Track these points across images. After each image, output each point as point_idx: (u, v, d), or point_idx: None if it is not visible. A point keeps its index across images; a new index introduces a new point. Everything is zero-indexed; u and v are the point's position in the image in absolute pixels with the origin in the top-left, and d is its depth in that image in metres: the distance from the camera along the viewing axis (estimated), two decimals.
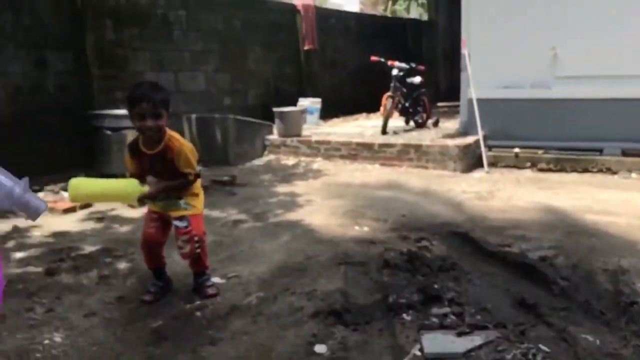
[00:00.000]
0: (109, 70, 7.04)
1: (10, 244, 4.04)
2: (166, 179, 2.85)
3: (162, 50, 7.83)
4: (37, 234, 4.25)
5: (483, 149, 6.66)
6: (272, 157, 7.74)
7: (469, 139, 6.83)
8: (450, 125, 8.48)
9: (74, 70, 6.83)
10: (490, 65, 6.90)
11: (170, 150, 2.81)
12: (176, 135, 2.89)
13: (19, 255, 3.77)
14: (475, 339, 2.44)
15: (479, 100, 6.83)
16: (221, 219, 4.60)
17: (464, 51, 7.14)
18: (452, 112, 10.21)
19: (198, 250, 2.97)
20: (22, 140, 6.30)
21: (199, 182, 3.03)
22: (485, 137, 6.79)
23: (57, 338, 2.60)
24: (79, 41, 6.85)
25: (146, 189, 2.72)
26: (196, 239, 2.92)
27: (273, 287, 3.15)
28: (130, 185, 2.68)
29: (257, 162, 7.54)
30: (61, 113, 6.71)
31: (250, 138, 7.69)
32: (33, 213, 1.59)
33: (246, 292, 3.10)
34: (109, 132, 6.16)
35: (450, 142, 6.67)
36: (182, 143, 2.86)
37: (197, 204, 2.99)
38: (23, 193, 1.53)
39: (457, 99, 7.86)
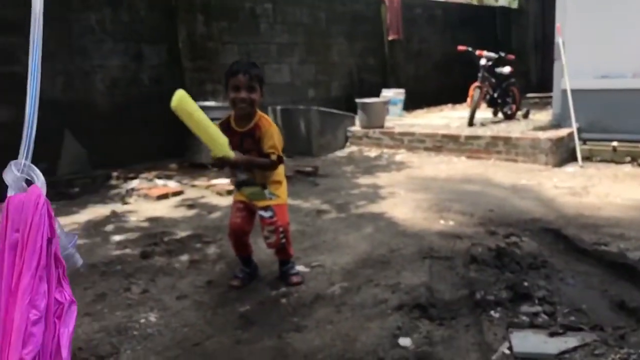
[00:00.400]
0: (200, 63, 7.30)
1: (109, 227, 4.29)
2: None
3: (250, 43, 8.02)
4: (133, 219, 4.49)
5: (577, 142, 6.32)
6: (354, 148, 7.73)
7: (562, 132, 6.49)
8: (541, 117, 8.10)
9: (167, 63, 7.15)
10: (587, 54, 6.50)
11: (259, 129, 2.87)
12: (267, 116, 2.96)
13: (117, 238, 4.01)
14: (570, 341, 2.32)
15: (574, 91, 6.47)
16: (304, 209, 4.66)
17: (558, 39, 6.78)
18: (544, 104, 9.77)
19: (283, 240, 3.02)
20: (119, 131, 6.68)
21: (282, 169, 3.07)
22: (579, 130, 6.43)
23: (152, 318, 2.74)
24: (172, 35, 7.15)
25: (232, 154, 2.77)
26: (281, 229, 2.98)
27: (357, 278, 3.15)
28: (222, 136, 2.74)
29: (340, 153, 7.56)
30: (155, 104, 7.05)
31: (332, 129, 7.73)
32: (71, 265, 1.63)
33: (330, 281, 3.13)
34: None
35: (542, 135, 6.37)
36: (271, 124, 2.92)
37: (281, 194, 3.04)
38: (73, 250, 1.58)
39: (549, 89, 7.49)
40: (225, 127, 2.92)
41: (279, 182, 3.05)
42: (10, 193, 0.76)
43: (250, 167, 2.89)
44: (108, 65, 6.62)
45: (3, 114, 5.85)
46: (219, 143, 2.71)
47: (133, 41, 6.84)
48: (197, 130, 2.68)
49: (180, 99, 2.63)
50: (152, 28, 7.02)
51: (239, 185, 2.99)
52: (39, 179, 0.77)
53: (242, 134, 2.89)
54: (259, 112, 2.93)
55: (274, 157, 2.87)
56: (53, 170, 6.06)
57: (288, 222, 3.11)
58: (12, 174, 0.75)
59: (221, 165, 2.88)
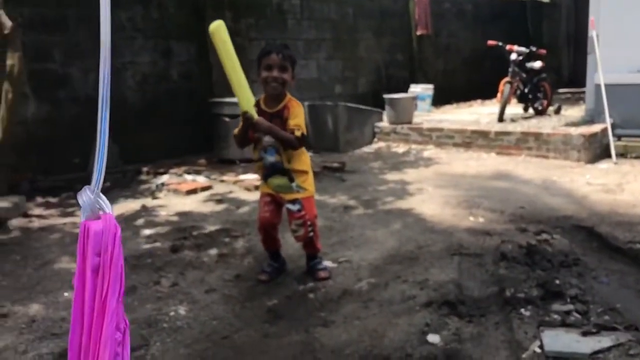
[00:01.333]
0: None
1: (140, 221, 4.36)
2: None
3: (277, 39, 8.03)
4: (163, 213, 4.55)
5: (611, 138, 6.17)
6: (381, 144, 7.69)
7: (595, 127, 6.35)
8: (573, 112, 7.94)
9: (195, 59, 7.22)
10: (622, 48, 6.33)
11: (287, 110, 2.89)
12: (296, 99, 2.98)
13: (147, 232, 4.06)
14: (603, 340, 2.27)
15: (608, 86, 6.31)
16: (331, 205, 4.66)
17: (592, 33, 6.62)
18: (576, 99, 9.57)
19: (311, 234, 3.04)
20: (149, 126, 6.77)
21: (307, 158, 3.06)
22: (613, 126, 6.28)
23: (181, 311, 2.78)
24: (200, 32, 7.20)
25: (256, 115, 2.79)
26: (309, 222, 2.99)
27: (384, 274, 3.13)
28: (250, 92, 2.75)
29: (367, 149, 7.53)
30: (184, 100, 7.14)
31: (360, 125, 7.70)
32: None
33: (357, 277, 3.12)
34: (227, 119, 6.44)
35: (574, 131, 6.24)
36: (300, 105, 2.94)
37: (308, 186, 3.03)
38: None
39: (581, 84, 7.33)
40: (255, 108, 2.94)
41: (306, 173, 3.03)
42: (83, 216, 0.83)
43: (274, 135, 2.84)
44: (138, 61, 6.71)
45: (40, 110, 5.98)
46: (246, 95, 2.72)
47: (162, 38, 6.92)
48: (227, 64, 2.69)
49: (219, 25, 2.68)
50: (181, 25, 7.09)
51: (266, 175, 2.99)
52: (109, 208, 0.83)
53: (271, 115, 2.91)
54: (289, 95, 2.95)
55: (297, 133, 2.84)
56: (85, 165, 6.18)
57: (316, 215, 3.12)
58: (87, 197, 0.81)
59: (246, 124, 2.84)
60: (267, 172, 2.99)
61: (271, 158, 2.92)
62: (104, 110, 0.84)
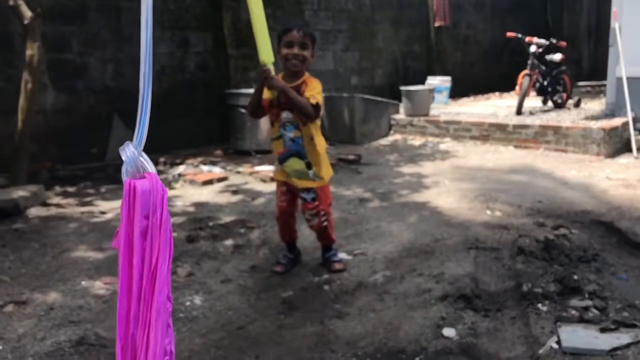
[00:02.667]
0: (244, 51, 7.34)
1: None
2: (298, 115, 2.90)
3: None
4: (179, 204, 4.57)
5: (632, 132, 6.07)
6: (398, 136, 7.65)
7: (616, 121, 6.25)
8: (593, 106, 7.82)
9: (212, 50, 7.22)
10: None
11: (305, 85, 2.88)
12: (315, 78, 2.97)
13: None
14: (622, 337, 2.24)
15: (630, 79, 6.20)
16: (347, 197, 4.64)
17: (614, 25, 6.50)
18: (596, 92, 9.43)
19: (325, 224, 3.05)
20: (166, 117, 6.80)
21: (324, 143, 3.04)
22: (635, 119, 6.17)
23: (197, 300, 2.79)
24: (217, 23, 7.21)
25: (278, 81, 2.77)
26: (322, 212, 3.02)
27: (400, 267, 3.12)
28: (271, 50, 2.74)
29: (383, 141, 7.50)
30: (200, 91, 7.15)
31: (376, 117, 7.66)
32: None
33: (372, 269, 3.11)
34: (243, 110, 6.44)
35: (594, 124, 6.15)
36: (319, 82, 2.93)
37: (324, 175, 3.02)
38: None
39: (602, 77, 7.21)
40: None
41: (321, 157, 2.98)
42: (126, 173, 0.77)
43: (287, 96, 2.79)
44: (155, 52, 6.65)
45: (59, 100, 6.04)
46: (267, 48, 2.70)
47: (179, 29, 6.93)
48: (255, 10, 2.66)
49: None
50: (198, 16, 7.10)
51: (284, 157, 2.96)
52: (153, 168, 0.78)
53: None
54: (308, 74, 2.94)
55: (313, 101, 2.82)
56: (102, 155, 6.23)
57: (330, 203, 3.12)
58: (131, 152, 0.76)
59: (262, 77, 2.79)
60: (285, 153, 2.96)
61: (290, 134, 2.91)
62: (147, 59, 0.79)
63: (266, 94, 2.90)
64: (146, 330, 0.72)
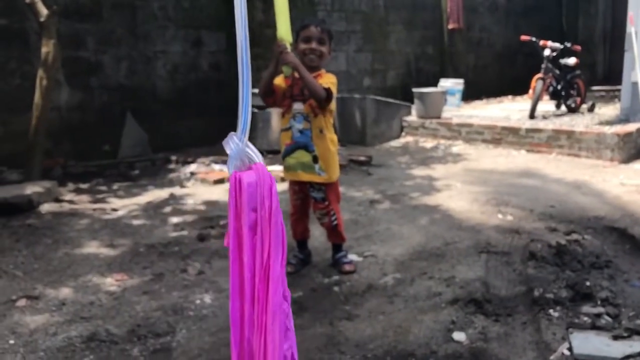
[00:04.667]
0: (257, 50, 7.33)
1: (168, 209, 4.40)
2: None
3: None
4: (190, 202, 4.59)
5: None
6: (409, 138, 7.63)
7: (631, 127, 6.19)
8: (607, 111, 7.76)
9: (225, 49, 7.25)
10: None
11: (320, 77, 2.90)
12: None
13: (175, 220, 4.11)
14: (635, 345, 2.21)
15: None
16: (357, 198, 4.64)
17: (630, 29, 6.44)
18: (610, 97, 9.35)
19: (335, 222, 3.08)
20: (178, 115, 6.84)
21: (335, 139, 3.03)
22: None
23: (207, 299, 2.80)
24: (230, 22, 7.22)
25: (293, 57, 2.75)
26: (332, 212, 3.05)
27: (410, 270, 3.11)
28: (289, 26, 2.72)
29: (394, 143, 7.48)
30: (213, 90, 7.18)
31: (387, 119, 7.65)
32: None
33: (382, 271, 3.10)
34: (255, 110, 6.45)
35: (608, 130, 6.09)
36: (334, 76, 2.95)
37: (332, 173, 3.01)
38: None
39: (617, 82, 7.14)
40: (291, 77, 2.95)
41: (330, 153, 2.97)
42: (231, 166, 0.73)
43: (300, 74, 2.78)
44: (169, 51, 6.77)
45: (73, 97, 6.09)
46: (286, 25, 2.68)
47: (193, 28, 6.97)
48: None
49: None
50: (212, 15, 7.13)
51: (291, 148, 2.95)
52: (260, 158, 0.73)
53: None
54: (324, 70, 2.97)
55: (325, 85, 2.83)
56: (115, 152, 6.27)
57: (339, 199, 3.14)
58: (236, 145, 0.73)
59: (277, 51, 2.72)
60: (293, 144, 2.96)
61: (299, 125, 2.92)
62: (244, 54, 0.77)
63: (279, 81, 2.91)
64: (263, 335, 0.65)
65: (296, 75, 2.83)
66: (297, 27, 2.93)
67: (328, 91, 2.83)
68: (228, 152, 0.70)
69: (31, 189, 4.44)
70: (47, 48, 4.85)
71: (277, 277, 0.66)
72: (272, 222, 0.67)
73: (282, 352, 0.66)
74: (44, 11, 4.79)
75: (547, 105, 7.88)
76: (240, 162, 0.69)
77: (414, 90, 7.84)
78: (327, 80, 2.89)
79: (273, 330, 0.64)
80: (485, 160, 6.19)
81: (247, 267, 0.66)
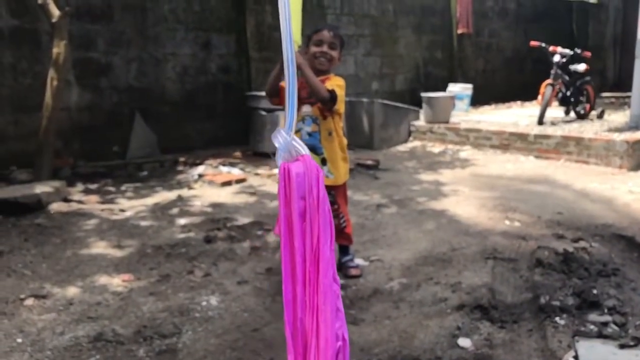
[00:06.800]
0: (266, 53, 7.39)
1: (175, 211, 4.42)
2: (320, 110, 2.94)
3: None
4: (197, 204, 4.61)
5: None
6: (417, 143, 7.63)
7: None
8: (617, 117, 7.71)
9: (234, 52, 7.28)
10: None
11: (328, 80, 2.92)
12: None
13: (182, 221, 4.12)
14: None
15: None
16: (364, 202, 4.64)
17: None
18: (620, 104, 9.30)
19: (344, 224, 3.09)
20: (187, 117, 6.87)
21: (344, 142, 3.03)
22: None
23: (213, 301, 2.81)
24: (240, 25, 7.26)
25: (298, 56, 2.74)
26: (341, 215, 3.06)
27: (416, 275, 3.11)
28: (300, 26, 2.72)
29: (401, 147, 7.48)
30: (222, 93, 7.21)
31: (395, 123, 7.65)
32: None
33: (389, 276, 3.10)
34: (263, 113, 6.48)
35: (617, 137, 6.06)
36: (342, 80, 2.97)
37: (341, 175, 3.02)
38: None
39: (627, 89, 7.11)
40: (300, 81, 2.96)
41: (338, 155, 2.99)
42: (280, 158, 0.77)
43: (304, 74, 2.78)
44: (179, 53, 6.80)
45: (83, 98, 6.13)
46: (297, 28, 2.69)
47: (203, 30, 7.00)
48: None
49: None
50: (221, 18, 7.16)
51: None
52: (306, 150, 0.77)
53: None
54: (333, 74, 2.99)
55: (329, 87, 2.85)
56: (123, 153, 6.31)
57: (346, 202, 3.15)
58: (284, 138, 0.77)
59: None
60: None
61: (308, 128, 2.94)
62: (290, 56, 0.80)
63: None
64: (315, 315, 0.68)
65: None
66: (310, 31, 2.96)
67: (332, 93, 2.85)
68: (276, 145, 0.74)
69: (40, 188, 4.47)
70: (58, 49, 4.89)
71: (327, 260, 0.70)
72: (320, 209, 0.71)
73: (333, 331, 0.70)
74: (55, 12, 4.84)
75: (556, 111, 7.85)
76: (288, 154, 0.73)
77: (422, 94, 7.84)
78: (334, 83, 2.91)
79: (325, 310, 0.68)
80: (493, 165, 6.17)
81: (298, 252, 0.70)
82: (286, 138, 0.74)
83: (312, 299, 0.69)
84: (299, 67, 2.80)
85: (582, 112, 7.76)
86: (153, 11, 6.53)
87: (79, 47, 5.91)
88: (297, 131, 2.99)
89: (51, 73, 4.94)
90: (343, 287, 2.96)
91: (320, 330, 0.69)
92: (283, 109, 2.65)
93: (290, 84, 0.79)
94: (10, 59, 5.64)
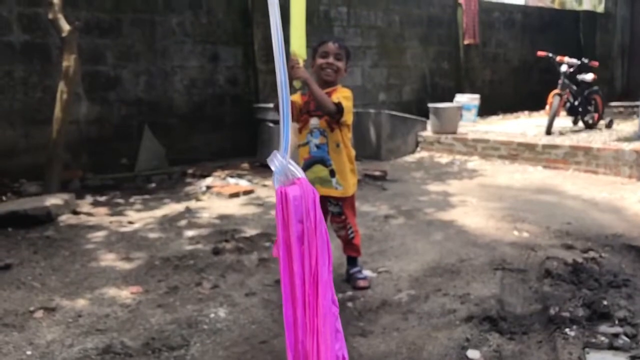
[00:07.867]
0: (273, 66, 7.38)
1: (183, 223, 4.44)
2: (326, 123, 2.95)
3: None
4: (205, 215, 4.62)
5: None
6: (424, 154, 7.63)
7: None
8: (625, 127, 7.68)
9: (242, 65, 7.33)
10: None
11: (335, 92, 2.93)
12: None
13: (190, 233, 4.14)
14: None
15: None
16: (372, 213, 4.64)
17: None
18: (629, 113, 9.26)
19: (352, 236, 3.11)
20: (195, 129, 6.91)
21: (353, 154, 3.05)
22: None
23: (221, 313, 2.81)
24: (247, 38, 7.32)
25: (303, 71, 2.77)
26: (349, 226, 3.08)
27: (424, 286, 3.10)
28: (304, 40, 2.72)
29: (409, 158, 7.48)
30: (229, 105, 7.25)
31: (403, 134, 7.65)
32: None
33: (397, 288, 3.09)
34: (271, 125, 6.51)
35: (626, 146, 6.03)
36: (349, 91, 2.97)
37: (347, 186, 3.02)
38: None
39: (635, 98, 7.09)
40: (305, 91, 2.98)
41: (347, 167, 3.00)
42: (277, 181, 0.79)
43: (310, 89, 2.81)
44: (187, 66, 6.86)
45: (92, 111, 6.19)
46: (301, 40, 2.69)
47: (210, 43, 7.06)
48: (295, 5, 2.64)
49: None
50: (229, 31, 7.22)
51: (309, 163, 2.98)
52: (302, 173, 0.79)
53: None
54: (340, 85, 3.00)
55: (335, 100, 2.85)
56: (132, 166, 6.35)
57: (354, 214, 3.16)
58: (280, 162, 0.78)
59: (288, 65, 2.71)
60: (310, 159, 2.99)
61: (316, 140, 2.96)
62: (283, 74, 0.82)
63: (295, 97, 2.96)
64: (315, 337, 0.69)
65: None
66: (315, 44, 2.98)
67: (339, 106, 2.86)
68: (273, 168, 0.75)
69: (50, 201, 4.50)
70: (68, 62, 4.95)
71: (326, 282, 0.71)
72: (317, 232, 0.73)
73: (334, 352, 0.71)
74: (65, 27, 4.90)
75: (564, 121, 7.83)
76: (285, 177, 0.75)
77: (430, 105, 7.85)
78: (341, 95, 2.92)
79: (324, 332, 0.69)
80: (501, 176, 6.15)
81: (297, 275, 0.71)
82: (282, 161, 0.76)
83: (312, 322, 0.70)
84: (305, 82, 2.83)
85: (590, 121, 7.73)
86: (161, 25, 6.59)
87: (88, 61, 5.98)
88: (306, 144, 3.00)
89: (61, 86, 5.00)
90: (351, 299, 2.95)
91: (320, 352, 0.70)
92: (293, 123, 2.66)
93: (284, 108, 0.81)
94: (22, 73, 5.71)
